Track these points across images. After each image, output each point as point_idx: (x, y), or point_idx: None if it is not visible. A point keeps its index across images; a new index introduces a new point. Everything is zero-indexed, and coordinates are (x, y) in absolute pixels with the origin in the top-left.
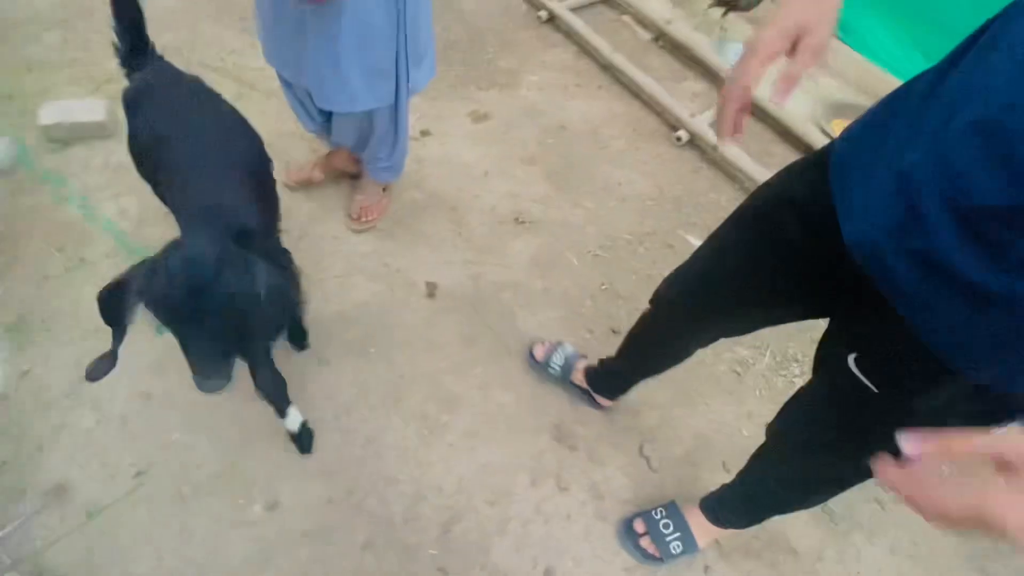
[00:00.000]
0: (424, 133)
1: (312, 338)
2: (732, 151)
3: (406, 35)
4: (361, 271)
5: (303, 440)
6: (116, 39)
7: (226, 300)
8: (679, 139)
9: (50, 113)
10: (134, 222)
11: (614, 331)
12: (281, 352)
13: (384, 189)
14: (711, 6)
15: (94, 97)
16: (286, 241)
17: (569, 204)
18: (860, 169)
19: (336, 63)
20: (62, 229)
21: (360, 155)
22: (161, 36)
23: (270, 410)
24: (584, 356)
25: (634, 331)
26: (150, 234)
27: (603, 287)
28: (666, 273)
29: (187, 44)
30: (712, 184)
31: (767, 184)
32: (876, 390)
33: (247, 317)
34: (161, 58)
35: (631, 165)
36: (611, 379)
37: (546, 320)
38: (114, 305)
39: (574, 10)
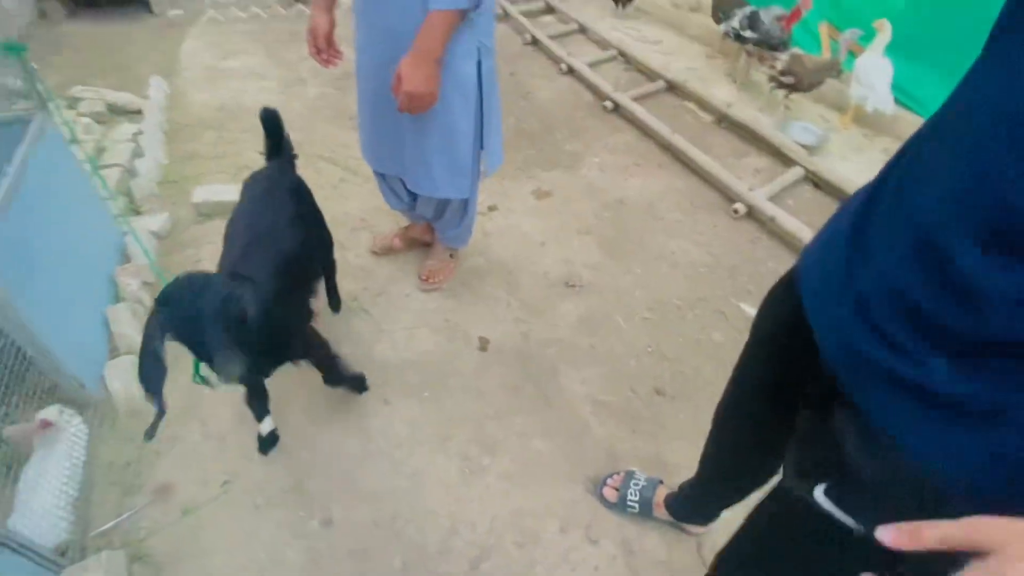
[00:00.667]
0: (491, 208)
1: (378, 379)
2: (793, 223)
3: (482, 140)
4: (426, 324)
5: (265, 443)
6: (264, 140)
7: (219, 314)
8: (736, 211)
9: (200, 194)
10: None
11: (658, 392)
12: (346, 393)
13: (451, 255)
14: (774, 88)
15: (233, 182)
16: (367, 296)
17: (620, 270)
18: (823, 289)
19: (426, 159)
20: None
21: (435, 225)
22: (290, 134)
23: (334, 437)
24: (661, 481)
25: (704, 450)
26: None
27: (649, 349)
28: (716, 338)
29: (307, 139)
30: (771, 254)
31: (763, 306)
32: (853, 525)
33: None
34: (291, 156)
35: (686, 235)
36: (695, 505)
37: (590, 376)
38: (151, 347)
39: (639, 99)
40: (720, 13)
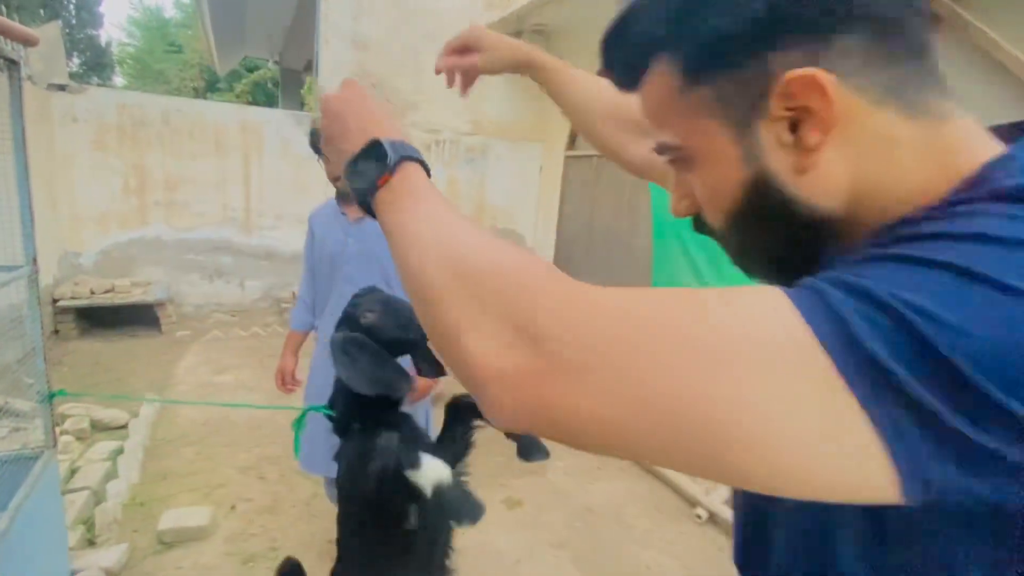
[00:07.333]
0: None
1: None
2: None
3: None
4: None
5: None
6: None
7: None
8: (699, 517)
9: (167, 519)
10: None
11: None
12: None
13: None
14: None
15: (204, 503)
16: None
17: None
18: None
19: None
20: None
21: None
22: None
23: None
24: None
25: None
26: None
27: None
28: None
29: (287, 452)
30: None
31: None
32: None
33: None
34: None
35: (657, 546)
36: None
37: None
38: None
39: None
40: None
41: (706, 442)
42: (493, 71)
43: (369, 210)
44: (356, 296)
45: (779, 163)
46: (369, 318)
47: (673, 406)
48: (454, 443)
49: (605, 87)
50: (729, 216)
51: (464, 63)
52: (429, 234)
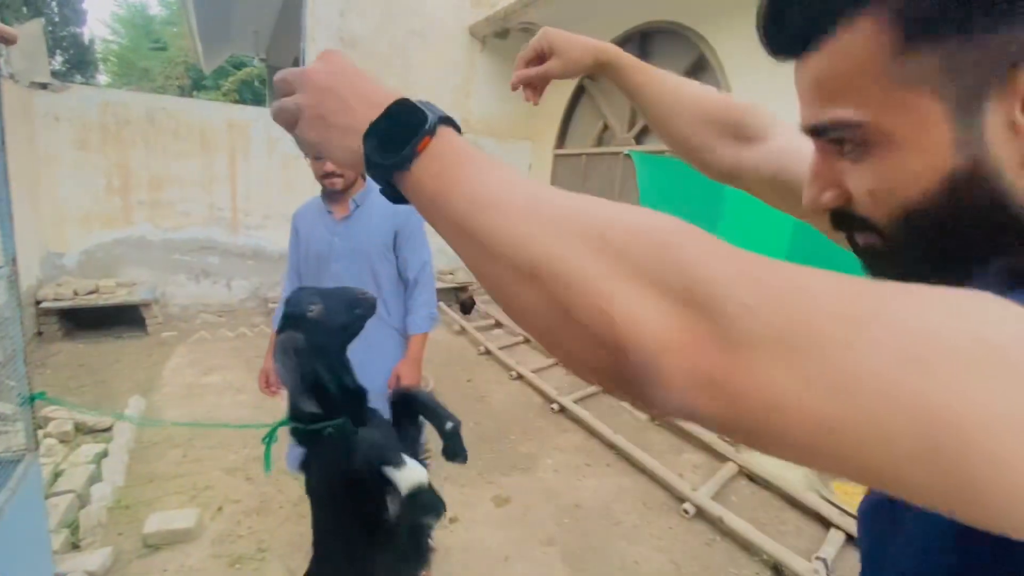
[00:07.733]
0: (452, 520)
1: None
2: (740, 523)
3: None
4: None
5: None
6: None
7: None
8: (687, 512)
9: (153, 522)
10: None
11: None
12: None
13: None
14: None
15: (190, 505)
16: None
17: None
18: None
19: None
20: None
21: None
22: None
23: None
24: None
25: None
26: None
27: None
28: None
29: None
30: (729, 557)
31: None
32: None
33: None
34: None
35: (645, 540)
36: None
37: None
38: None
39: (579, 400)
40: None
41: (953, 458)
42: (568, 75)
43: (393, 190)
44: (289, 299)
45: (1004, 152)
46: (315, 311)
47: (909, 404)
48: (408, 428)
49: (691, 87)
50: (909, 213)
51: (538, 73)
52: (513, 198)
